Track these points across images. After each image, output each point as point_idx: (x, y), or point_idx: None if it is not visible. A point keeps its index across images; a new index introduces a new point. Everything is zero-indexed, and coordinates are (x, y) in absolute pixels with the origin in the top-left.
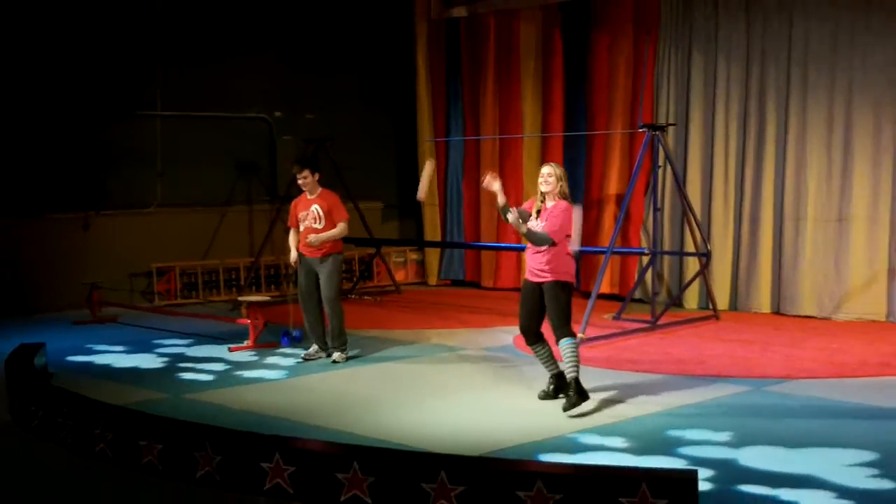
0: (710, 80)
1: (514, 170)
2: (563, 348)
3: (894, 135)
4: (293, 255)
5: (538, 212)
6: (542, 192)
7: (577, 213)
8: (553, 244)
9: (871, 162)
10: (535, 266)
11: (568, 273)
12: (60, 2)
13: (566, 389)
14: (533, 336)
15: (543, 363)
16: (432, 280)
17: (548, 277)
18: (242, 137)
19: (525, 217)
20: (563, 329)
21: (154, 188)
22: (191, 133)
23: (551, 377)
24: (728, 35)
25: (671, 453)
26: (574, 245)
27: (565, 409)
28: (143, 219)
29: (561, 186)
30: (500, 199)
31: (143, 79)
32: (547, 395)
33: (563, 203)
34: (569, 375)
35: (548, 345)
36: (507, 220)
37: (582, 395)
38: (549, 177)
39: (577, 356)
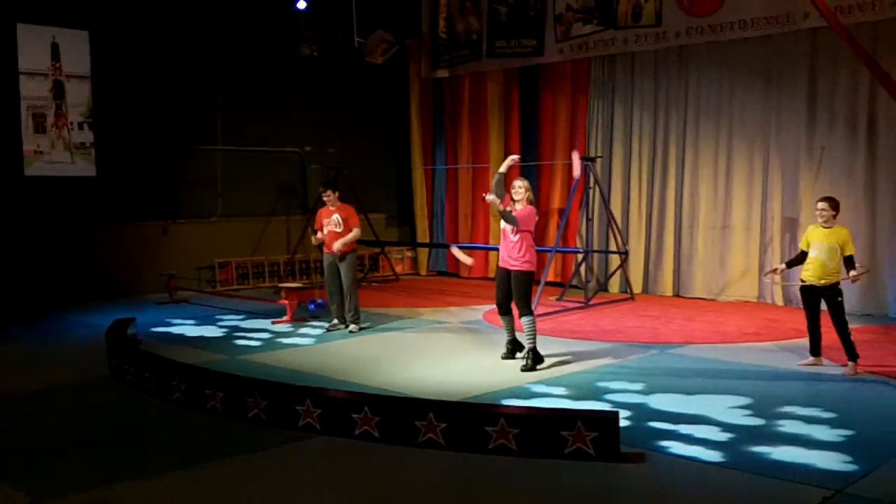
0: (627, 124)
1: (483, 190)
2: (524, 323)
3: (764, 166)
4: (319, 237)
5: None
6: (513, 200)
7: (531, 209)
8: (516, 225)
9: (746, 185)
10: (509, 256)
11: (531, 264)
12: (151, 68)
13: (525, 355)
14: (504, 309)
15: (506, 330)
16: (423, 271)
17: (516, 266)
18: (281, 166)
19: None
20: (524, 308)
21: (216, 203)
22: (243, 162)
23: (508, 342)
24: (641, 91)
25: (600, 399)
26: (514, 222)
27: (523, 370)
28: (208, 226)
29: (528, 195)
30: (496, 201)
31: (207, 122)
32: (505, 356)
33: (530, 207)
34: (527, 345)
35: (513, 317)
36: (498, 208)
37: (537, 360)
38: (519, 188)
39: (534, 329)
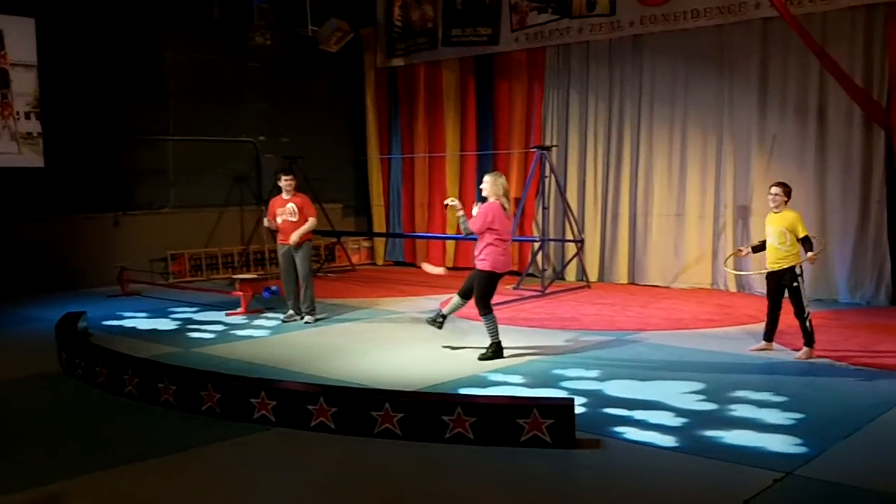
0: (583, 112)
1: (440, 179)
2: (483, 323)
3: (717, 154)
4: (271, 223)
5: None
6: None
7: (484, 206)
8: (468, 230)
9: (700, 173)
10: (475, 254)
11: (488, 263)
12: (100, 57)
13: (487, 347)
14: (467, 298)
15: (450, 305)
16: (380, 261)
17: (477, 265)
18: (235, 155)
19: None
20: (480, 307)
21: (168, 194)
22: (196, 152)
23: (440, 314)
24: (596, 79)
25: (556, 386)
26: (472, 224)
27: (480, 359)
28: (160, 217)
29: (496, 190)
30: (458, 209)
31: (159, 111)
32: (430, 321)
33: (487, 204)
34: (489, 340)
35: (464, 304)
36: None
37: (497, 354)
38: (484, 184)
39: (494, 328)
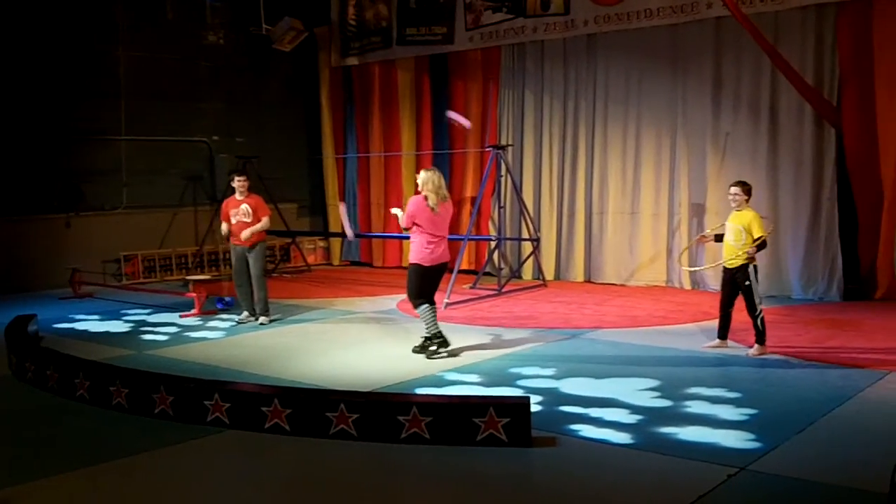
0: (538, 111)
1: (395, 178)
2: (420, 316)
3: (671, 153)
4: (226, 228)
5: None
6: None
7: (409, 202)
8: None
9: (655, 172)
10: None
11: (416, 257)
12: (51, 55)
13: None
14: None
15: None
16: (335, 261)
17: (410, 259)
18: (189, 155)
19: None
20: (412, 300)
21: (121, 194)
22: (149, 153)
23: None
24: (551, 78)
25: (512, 385)
26: (401, 222)
27: (413, 351)
28: (113, 218)
29: (429, 186)
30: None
31: (111, 111)
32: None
33: (413, 198)
34: (424, 332)
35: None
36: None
37: (425, 349)
38: (418, 179)
39: (428, 318)
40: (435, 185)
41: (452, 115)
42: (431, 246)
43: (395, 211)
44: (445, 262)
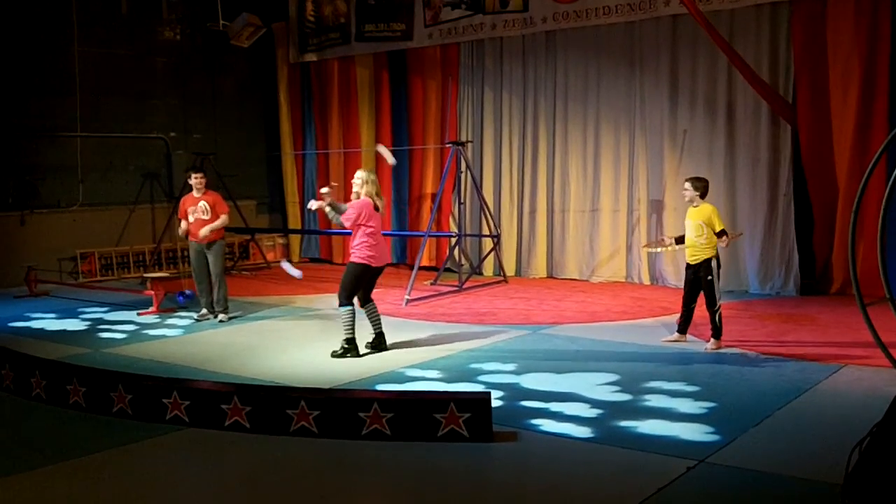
0: (497, 108)
1: (355, 174)
2: (341, 314)
3: (630, 150)
4: (184, 226)
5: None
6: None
7: (357, 204)
8: (341, 224)
9: (613, 169)
10: (350, 248)
11: (361, 258)
12: (4, 50)
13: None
14: (362, 300)
15: (370, 322)
16: (295, 258)
17: (351, 258)
18: (145, 152)
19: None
20: (342, 297)
21: (77, 192)
22: (105, 149)
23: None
24: (510, 75)
25: (473, 380)
26: (344, 220)
27: (332, 356)
28: (69, 215)
29: (367, 188)
30: (326, 204)
31: (66, 107)
32: (368, 345)
33: (361, 200)
34: (343, 335)
35: (372, 308)
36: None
37: (347, 351)
38: (356, 180)
39: (348, 321)
40: (376, 185)
41: (381, 148)
42: (378, 246)
43: (325, 190)
44: (388, 263)
